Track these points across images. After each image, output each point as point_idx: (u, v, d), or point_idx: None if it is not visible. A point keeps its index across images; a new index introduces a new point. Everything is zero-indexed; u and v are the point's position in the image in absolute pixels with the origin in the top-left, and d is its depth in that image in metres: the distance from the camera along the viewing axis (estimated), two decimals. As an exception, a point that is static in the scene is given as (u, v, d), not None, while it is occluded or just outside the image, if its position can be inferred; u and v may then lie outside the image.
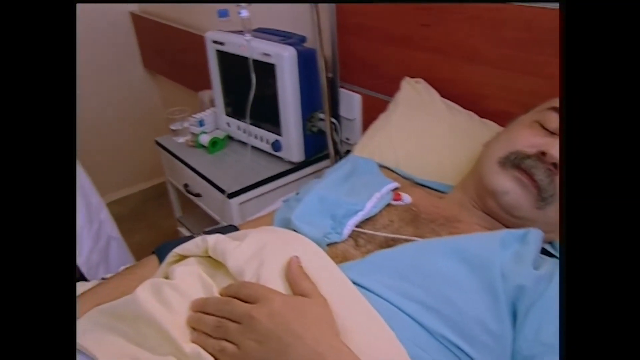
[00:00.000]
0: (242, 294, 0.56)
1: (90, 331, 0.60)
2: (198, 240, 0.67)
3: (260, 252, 0.61)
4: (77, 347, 0.58)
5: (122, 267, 0.87)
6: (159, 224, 2.43)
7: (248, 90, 1.21)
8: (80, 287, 0.81)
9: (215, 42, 1.33)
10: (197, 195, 1.41)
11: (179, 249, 0.67)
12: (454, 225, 0.73)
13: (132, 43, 2.35)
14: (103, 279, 0.84)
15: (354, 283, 0.61)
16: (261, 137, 1.35)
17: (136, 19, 2.26)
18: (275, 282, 0.58)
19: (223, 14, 1.36)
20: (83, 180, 1.02)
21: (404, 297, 0.59)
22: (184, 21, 1.97)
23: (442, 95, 1.06)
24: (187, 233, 1.67)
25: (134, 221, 2.46)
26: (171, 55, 2.13)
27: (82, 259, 0.97)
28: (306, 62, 1.21)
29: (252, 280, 0.58)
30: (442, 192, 0.86)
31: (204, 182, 1.32)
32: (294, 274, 0.58)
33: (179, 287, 0.59)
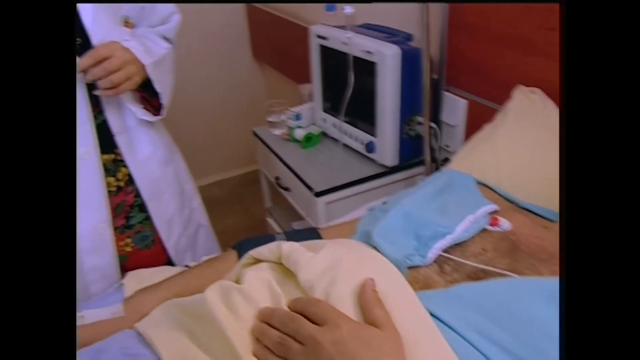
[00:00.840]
0: (309, 311, 0.53)
1: (161, 324, 0.61)
2: (273, 245, 0.65)
3: (333, 268, 0.58)
4: (147, 338, 0.59)
5: (205, 257, 0.89)
6: (252, 210, 2.51)
7: (346, 87, 1.17)
8: (166, 271, 0.83)
9: (319, 36, 1.31)
10: (287, 189, 1.41)
11: (254, 252, 0.66)
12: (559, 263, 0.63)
13: (244, 32, 2.43)
14: (187, 266, 0.86)
15: (433, 315, 0.55)
16: (355, 136, 1.31)
17: (250, 9, 2.33)
18: (346, 304, 0.54)
19: (330, 7, 1.33)
20: (180, 167, 1.05)
21: (489, 340, 0.52)
22: (294, 13, 1.99)
23: (561, 109, 0.94)
24: (274, 224, 1.69)
25: (229, 204, 2.56)
26: (280, 46, 2.16)
27: (171, 243, 1.00)
28: (410, 62, 1.14)
29: (321, 297, 0.55)
30: (550, 221, 0.75)
31: (294, 177, 1.31)
32: (367, 299, 0.53)
33: (247, 293, 0.58)
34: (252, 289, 0.58)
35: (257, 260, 0.66)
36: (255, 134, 1.55)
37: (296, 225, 1.56)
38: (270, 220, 1.72)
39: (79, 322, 0.68)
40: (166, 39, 0.97)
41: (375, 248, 0.65)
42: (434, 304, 0.56)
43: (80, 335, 0.66)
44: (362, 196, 1.26)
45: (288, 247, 0.62)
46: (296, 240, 0.67)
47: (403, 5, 1.33)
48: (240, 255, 0.73)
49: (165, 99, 0.91)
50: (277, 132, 1.51)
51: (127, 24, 0.87)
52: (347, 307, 0.54)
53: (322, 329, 0.50)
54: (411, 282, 0.59)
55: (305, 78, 1.66)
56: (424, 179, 0.87)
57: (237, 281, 0.62)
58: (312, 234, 0.81)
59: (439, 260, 0.64)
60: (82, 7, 0.78)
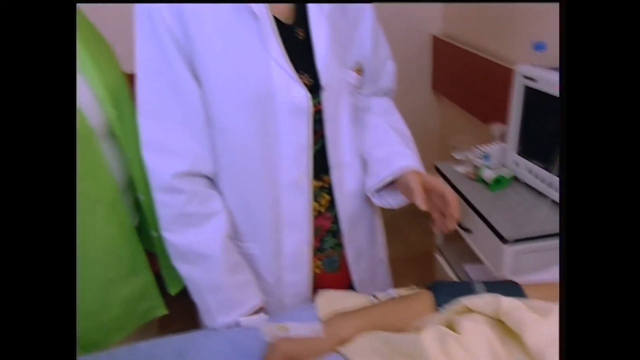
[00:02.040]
0: None
1: (368, 354, 0.62)
2: (488, 298, 0.61)
3: (567, 339, 0.52)
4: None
5: (391, 291, 0.89)
6: (412, 241, 2.48)
7: (556, 134, 1.08)
8: (353, 297, 0.85)
9: (526, 77, 1.24)
10: (467, 230, 1.36)
11: (467, 302, 0.63)
12: None
13: (426, 64, 2.44)
14: (374, 296, 0.87)
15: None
16: (556, 186, 1.21)
17: (437, 42, 2.33)
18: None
19: (540, 47, 1.26)
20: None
21: None
22: (489, 49, 1.93)
23: None
24: (444, 263, 1.63)
25: (388, 233, 2.56)
26: (464, 81, 2.12)
27: (358, 273, 1.02)
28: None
29: (553, 369, 0.50)
30: None
31: (478, 219, 1.26)
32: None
33: (466, 344, 0.56)
34: (470, 341, 0.56)
35: (468, 309, 0.64)
36: (437, 169, 1.52)
37: (469, 269, 1.49)
38: (439, 258, 1.67)
39: (283, 333, 0.73)
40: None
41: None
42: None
43: (283, 345, 0.70)
44: (557, 252, 1.15)
45: (509, 303, 0.59)
46: (497, 293, 0.64)
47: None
48: (436, 297, 0.71)
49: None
50: (462, 169, 1.47)
51: (359, 71, 0.92)
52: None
53: None
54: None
55: (489, 116, 1.60)
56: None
57: (449, 327, 0.60)
58: (513, 289, 0.75)
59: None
60: (318, 50, 0.83)
